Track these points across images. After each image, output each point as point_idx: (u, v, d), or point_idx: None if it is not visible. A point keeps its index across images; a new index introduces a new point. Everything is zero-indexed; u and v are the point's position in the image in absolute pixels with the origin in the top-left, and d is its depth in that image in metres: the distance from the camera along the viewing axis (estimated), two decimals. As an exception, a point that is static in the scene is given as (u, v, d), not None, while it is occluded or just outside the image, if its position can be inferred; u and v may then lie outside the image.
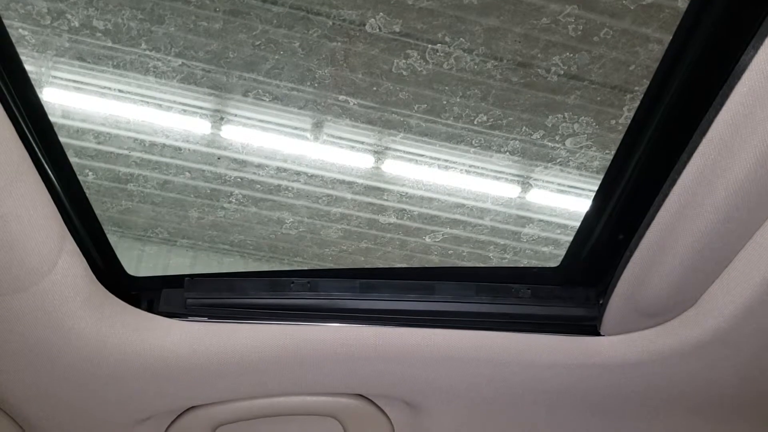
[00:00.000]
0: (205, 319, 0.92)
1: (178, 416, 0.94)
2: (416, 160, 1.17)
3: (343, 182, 1.22)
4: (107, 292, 0.86)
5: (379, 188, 1.22)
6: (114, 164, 1.16)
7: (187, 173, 1.23)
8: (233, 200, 1.24)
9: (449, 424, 0.99)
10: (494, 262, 1.36)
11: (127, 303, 0.89)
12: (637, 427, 1.00)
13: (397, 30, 0.90)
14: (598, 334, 0.94)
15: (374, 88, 1.00)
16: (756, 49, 0.64)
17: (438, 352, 0.94)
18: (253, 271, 0.98)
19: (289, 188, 1.24)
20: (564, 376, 0.94)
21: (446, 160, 1.15)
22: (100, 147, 1.13)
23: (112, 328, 0.84)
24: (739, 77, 0.66)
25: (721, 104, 0.68)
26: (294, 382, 0.94)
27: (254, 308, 0.93)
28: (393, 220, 1.26)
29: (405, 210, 1.24)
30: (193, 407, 0.94)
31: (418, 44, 0.92)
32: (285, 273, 0.97)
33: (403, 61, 0.94)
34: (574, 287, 1.04)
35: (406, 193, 1.22)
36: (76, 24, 0.87)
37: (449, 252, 1.32)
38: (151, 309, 0.92)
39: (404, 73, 0.96)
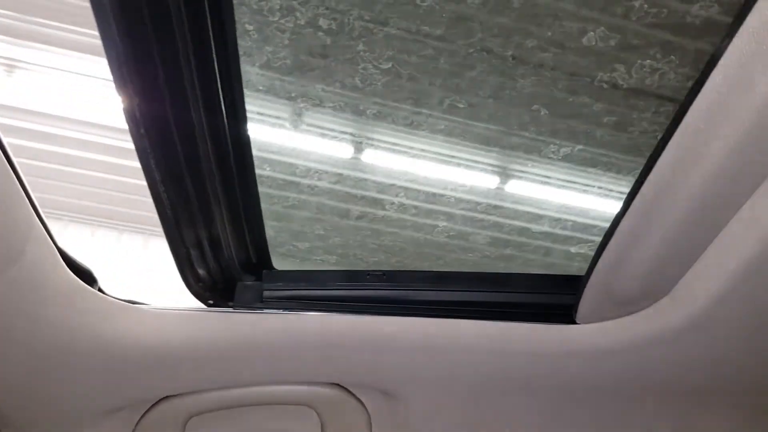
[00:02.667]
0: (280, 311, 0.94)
1: (152, 406, 0.93)
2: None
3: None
4: (79, 281, 0.85)
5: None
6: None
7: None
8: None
9: (425, 412, 0.99)
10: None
11: (102, 293, 0.87)
12: (612, 414, 1.00)
13: (613, 44, 0.90)
14: (574, 322, 0.95)
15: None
16: (731, 37, 0.64)
17: (414, 341, 0.94)
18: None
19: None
20: (540, 363, 0.95)
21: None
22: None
23: (83, 317, 0.83)
24: (713, 66, 0.66)
25: (696, 93, 0.69)
26: (269, 372, 0.93)
27: (328, 300, 0.96)
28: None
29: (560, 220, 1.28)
30: (166, 397, 0.93)
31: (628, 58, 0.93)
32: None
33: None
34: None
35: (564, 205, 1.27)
36: (302, 22, 0.88)
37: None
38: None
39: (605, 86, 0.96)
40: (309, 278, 0.98)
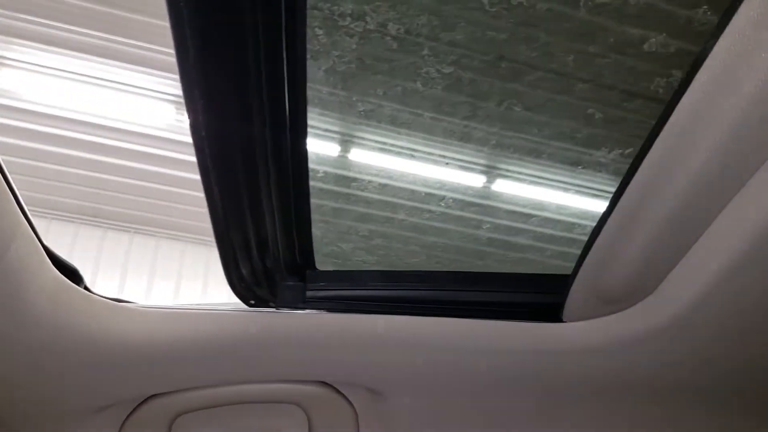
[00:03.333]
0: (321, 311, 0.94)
1: (139, 404, 0.92)
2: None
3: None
4: (65, 279, 0.84)
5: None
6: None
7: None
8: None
9: (413, 411, 0.99)
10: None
11: (88, 291, 0.87)
12: (597, 412, 1.01)
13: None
14: (561, 321, 0.95)
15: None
16: (716, 38, 0.65)
17: (401, 339, 0.94)
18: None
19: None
20: (526, 361, 0.95)
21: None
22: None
23: (69, 315, 0.82)
24: (700, 65, 0.67)
25: (682, 93, 0.69)
26: (256, 370, 0.93)
27: (370, 300, 0.96)
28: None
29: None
30: (154, 395, 0.92)
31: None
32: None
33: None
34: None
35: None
36: (372, 26, 0.88)
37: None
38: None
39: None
40: (352, 278, 0.99)
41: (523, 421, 1.01)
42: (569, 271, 0.93)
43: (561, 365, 0.94)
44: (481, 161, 1.17)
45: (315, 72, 0.91)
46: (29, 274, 0.77)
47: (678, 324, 0.84)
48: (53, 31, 5.94)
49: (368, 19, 0.85)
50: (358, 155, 1.15)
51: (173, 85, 6.48)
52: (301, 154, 0.83)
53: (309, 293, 0.94)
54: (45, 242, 0.82)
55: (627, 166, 0.80)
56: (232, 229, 0.88)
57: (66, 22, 5.91)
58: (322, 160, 1.13)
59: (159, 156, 7.03)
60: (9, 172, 0.74)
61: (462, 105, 1.02)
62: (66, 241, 7.35)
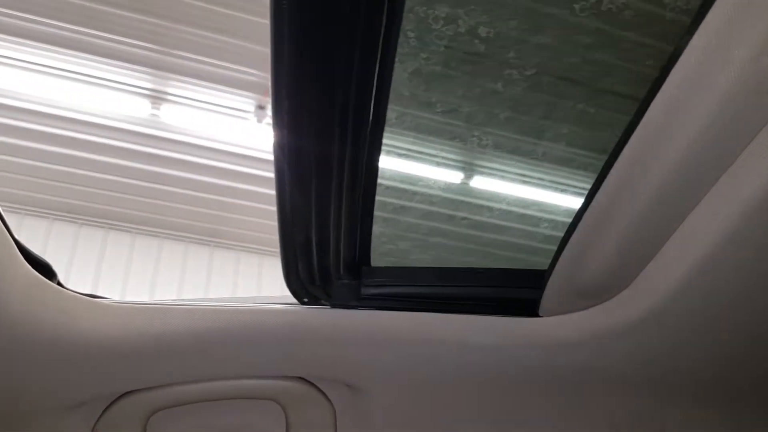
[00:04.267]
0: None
1: (114, 401, 0.91)
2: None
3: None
4: (37, 274, 0.83)
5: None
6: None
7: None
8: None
9: (390, 406, 0.99)
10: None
11: (61, 287, 0.85)
12: (574, 406, 1.02)
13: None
14: (537, 315, 0.96)
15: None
16: (691, 34, 0.65)
17: (377, 334, 0.94)
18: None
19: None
20: (504, 356, 0.96)
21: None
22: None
23: (42, 311, 0.81)
24: (674, 62, 0.68)
25: (657, 88, 0.70)
26: (233, 366, 0.93)
27: (425, 298, 0.97)
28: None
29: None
30: (128, 392, 0.91)
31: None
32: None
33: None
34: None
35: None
36: (463, 30, 0.87)
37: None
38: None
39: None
40: (408, 275, 1.00)
41: (500, 414, 1.02)
42: (545, 267, 0.94)
43: (538, 359, 0.95)
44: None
45: (400, 74, 0.92)
46: (0, 270, 0.75)
47: (653, 317, 0.85)
48: (26, 24, 5.83)
49: (460, 22, 0.86)
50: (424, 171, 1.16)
51: (148, 80, 6.41)
52: (374, 168, 0.85)
53: (364, 290, 0.96)
54: (18, 238, 0.81)
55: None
56: (296, 230, 0.89)
57: (39, 15, 5.80)
58: (389, 176, 1.14)
59: (134, 151, 6.94)
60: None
61: (539, 107, 1.03)
62: (39, 237, 7.23)
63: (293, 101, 0.75)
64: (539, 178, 1.17)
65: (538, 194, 1.22)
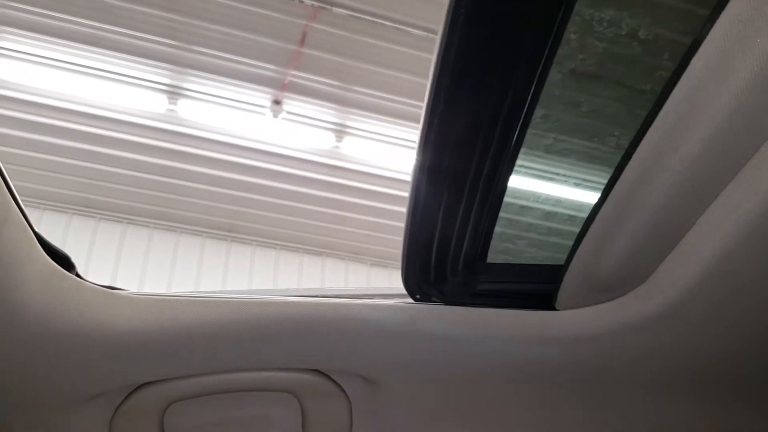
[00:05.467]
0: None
1: (132, 392, 0.92)
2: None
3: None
4: (56, 266, 0.84)
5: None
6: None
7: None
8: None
9: (406, 399, 0.99)
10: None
11: (80, 279, 0.86)
12: (588, 400, 1.02)
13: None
14: (554, 309, 0.95)
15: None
16: (712, 23, 0.64)
17: (394, 326, 0.94)
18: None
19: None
20: (520, 349, 0.95)
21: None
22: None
23: (61, 302, 0.82)
24: (694, 52, 0.67)
25: (676, 79, 0.69)
26: (250, 358, 0.93)
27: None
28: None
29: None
30: (145, 384, 0.92)
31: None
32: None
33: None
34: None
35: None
36: (624, 32, 0.87)
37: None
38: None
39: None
40: (524, 272, 1.01)
41: (517, 407, 1.01)
42: (562, 262, 0.93)
43: (554, 352, 0.95)
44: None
45: (554, 75, 0.93)
46: (20, 260, 0.76)
47: (671, 311, 0.84)
48: (45, 20, 5.90)
49: (623, 24, 0.86)
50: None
51: (166, 75, 6.46)
52: (505, 182, 0.89)
53: (480, 287, 0.97)
54: (37, 231, 0.82)
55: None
56: (422, 232, 0.92)
57: (58, 11, 5.87)
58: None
59: (151, 146, 7.00)
60: (0, 162, 0.74)
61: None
62: (59, 231, 7.32)
63: (449, 109, 0.79)
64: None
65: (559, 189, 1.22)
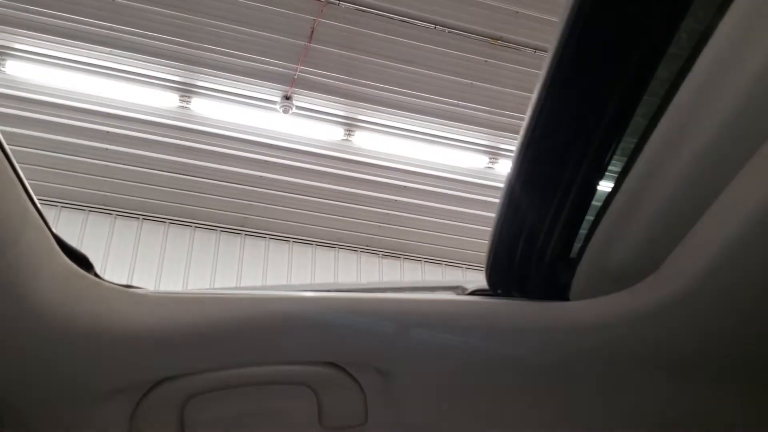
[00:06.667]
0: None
1: (152, 387, 0.94)
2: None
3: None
4: (75, 266, 0.85)
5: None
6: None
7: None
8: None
9: (420, 391, 1.00)
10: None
11: (98, 278, 0.88)
12: (606, 388, 1.02)
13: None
14: (567, 299, 0.96)
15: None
16: (721, 15, 0.64)
17: (407, 318, 0.95)
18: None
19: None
20: (534, 340, 0.96)
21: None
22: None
23: (80, 301, 0.83)
24: (704, 44, 0.67)
25: (687, 71, 0.69)
26: (266, 352, 0.94)
27: None
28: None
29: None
30: (165, 379, 0.94)
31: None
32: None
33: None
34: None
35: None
36: None
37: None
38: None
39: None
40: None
41: (532, 398, 1.02)
42: (575, 252, 0.93)
43: (568, 342, 0.95)
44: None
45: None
46: (39, 262, 0.78)
47: (681, 300, 0.84)
48: (59, 22, 5.96)
49: None
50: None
51: (178, 73, 6.50)
52: (595, 187, 0.90)
53: (562, 283, 0.98)
54: (55, 231, 0.83)
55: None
56: (510, 231, 0.95)
57: (71, 12, 5.92)
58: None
59: (165, 143, 7.05)
60: (17, 162, 0.75)
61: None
62: (76, 229, 7.40)
63: (552, 120, 0.83)
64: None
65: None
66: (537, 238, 0.95)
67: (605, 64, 0.80)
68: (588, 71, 0.80)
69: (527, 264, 0.97)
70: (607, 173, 0.89)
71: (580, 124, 0.85)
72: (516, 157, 0.89)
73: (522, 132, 0.86)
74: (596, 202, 0.90)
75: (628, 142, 0.87)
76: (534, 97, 0.83)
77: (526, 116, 0.85)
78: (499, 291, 1.01)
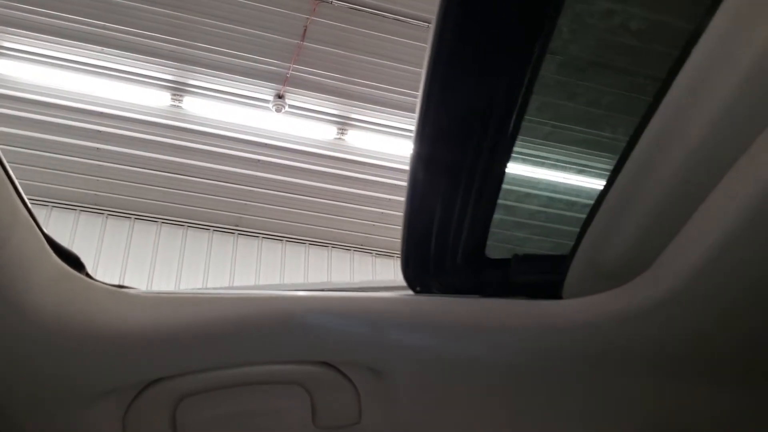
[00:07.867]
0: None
1: (144, 388, 0.93)
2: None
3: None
4: (66, 266, 0.85)
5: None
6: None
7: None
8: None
9: (413, 389, 1.00)
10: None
11: (90, 278, 0.87)
12: (598, 387, 1.02)
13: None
14: (560, 298, 0.96)
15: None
16: (712, 14, 0.65)
17: (401, 318, 0.95)
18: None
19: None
20: (527, 338, 0.96)
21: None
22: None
23: (72, 302, 0.83)
24: (695, 42, 0.67)
25: (678, 69, 0.69)
26: (259, 352, 0.94)
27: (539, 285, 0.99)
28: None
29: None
30: (157, 380, 0.93)
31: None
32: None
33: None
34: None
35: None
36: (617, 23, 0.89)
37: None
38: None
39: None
40: (530, 262, 1.02)
41: (523, 395, 1.02)
42: (567, 251, 0.94)
43: (561, 341, 0.95)
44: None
45: (548, 64, 0.94)
46: (30, 262, 0.77)
47: (674, 298, 0.84)
48: (50, 20, 5.92)
49: (615, 17, 0.88)
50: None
51: (171, 72, 6.47)
52: (502, 173, 0.90)
53: (482, 278, 0.99)
54: (46, 231, 0.83)
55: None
56: (420, 225, 0.93)
57: (62, 11, 5.88)
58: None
59: (157, 142, 7.02)
60: (7, 162, 0.75)
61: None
62: (67, 229, 7.36)
63: (444, 99, 0.81)
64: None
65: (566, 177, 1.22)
66: (444, 230, 0.94)
67: (489, 37, 0.78)
68: (471, 46, 0.78)
69: (441, 259, 0.97)
70: (514, 156, 0.89)
71: (470, 101, 0.83)
72: (414, 143, 0.87)
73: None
74: (588, 201, 0.91)
75: (619, 141, 0.87)
76: (423, 74, 0.82)
77: (418, 98, 0.84)
78: (418, 289, 1.00)
